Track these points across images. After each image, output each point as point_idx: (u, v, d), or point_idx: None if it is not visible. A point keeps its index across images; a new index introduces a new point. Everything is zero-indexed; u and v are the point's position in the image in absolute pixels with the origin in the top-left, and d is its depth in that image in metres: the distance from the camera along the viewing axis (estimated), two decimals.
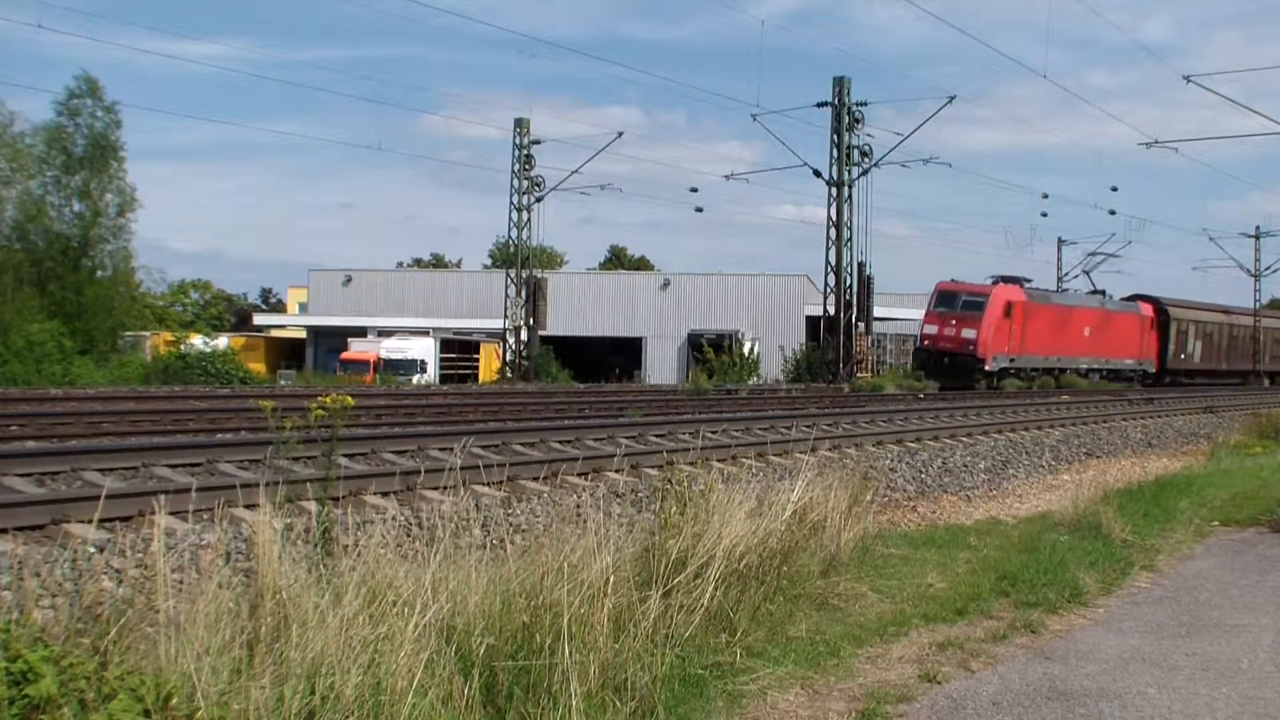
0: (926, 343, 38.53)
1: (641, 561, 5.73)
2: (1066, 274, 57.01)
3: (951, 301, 38.13)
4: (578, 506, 9.39)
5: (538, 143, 40.45)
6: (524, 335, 40.32)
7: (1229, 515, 11.24)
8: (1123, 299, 48.47)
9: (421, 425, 15.20)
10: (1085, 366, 42.96)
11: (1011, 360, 38.09)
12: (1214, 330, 52.32)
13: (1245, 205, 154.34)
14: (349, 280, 58.71)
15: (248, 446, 10.44)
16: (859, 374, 39.11)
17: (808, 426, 15.88)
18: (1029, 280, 41.00)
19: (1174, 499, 11.86)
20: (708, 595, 5.60)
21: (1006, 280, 39.27)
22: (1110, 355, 44.66)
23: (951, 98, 33.03)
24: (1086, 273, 50.30)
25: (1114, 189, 58.84)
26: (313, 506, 7.35)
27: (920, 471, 14.85)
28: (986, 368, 37.04)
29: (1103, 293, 47.21)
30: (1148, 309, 47.75)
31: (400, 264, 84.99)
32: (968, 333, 36.98)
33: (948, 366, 37.23)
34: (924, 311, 40.07)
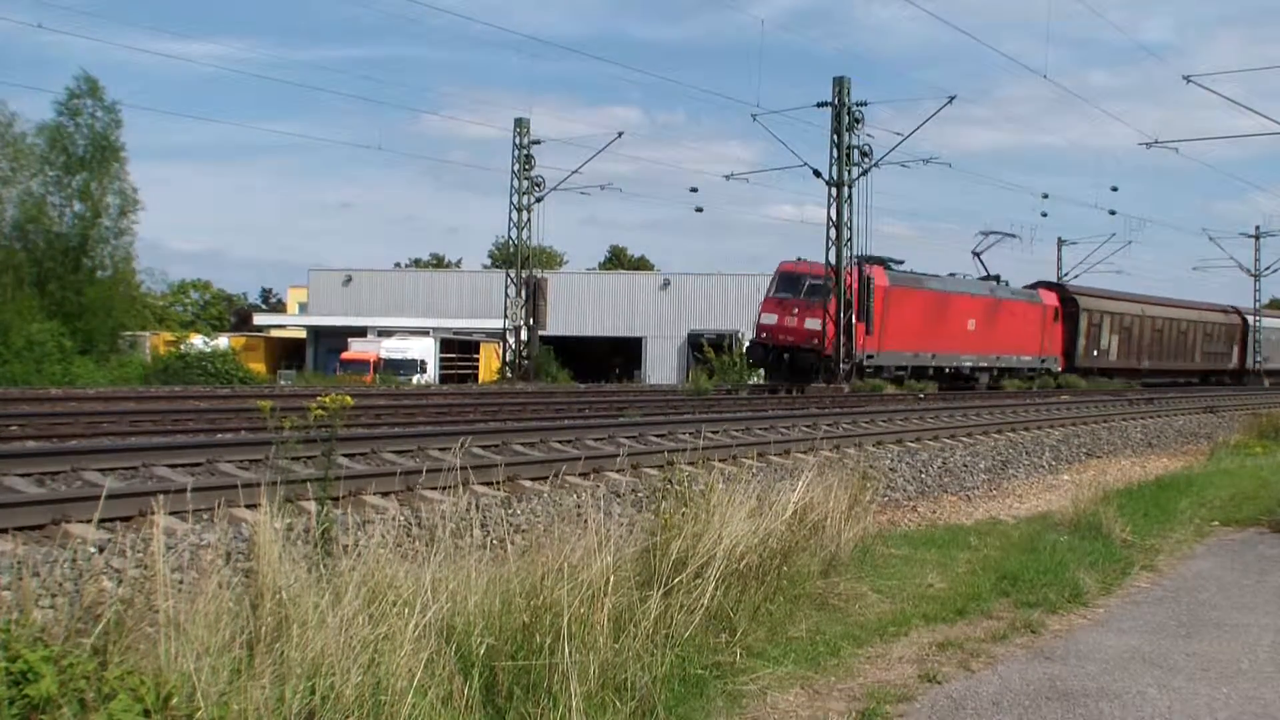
0: (764, 335, 31.82)
1: (641, 561, 5.72)
2: (1067, 274, 57.01)
3: (794, 285, 31.67)
4: (578, 506, 9.38)
5: (538, 143, 40.44)
6: (524, 335, 40.32)
7: (1229, 515, 11.24)
8: (1026, 286, 43.01)
9: (421, 425, 15.20)
10: (970, 364, 36.83)
11: (869, 356, 31.95)
12: (1134, 324, 46.49)
13: (1245, 205, 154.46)
14: (349, 280, 58.71)
15: (248, 446, 10.44)
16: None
17: (808, 426, 15.89)
18: (899, 261, 34.99)
19: (1174, 499, 11.86)
20: (708, 595, 5.60)
21: (868, 260, 33.01)
22: (1004, 351, 38.55)
23: (951, 98, 32.70)
24: (976, 254, 41.28)
25: (1114, 189, 58.82)
26: (313, 506, 7.34)
27: (920, 471, 14.85)
28: (834, 365, 30.79)
29: (996, 278, 40.46)
30: (1051, 298, 41.96)
31: (400, 264, 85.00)
32: (811, 323, 30.68)
33: (787, 364, 31.24)
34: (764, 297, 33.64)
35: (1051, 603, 7.08)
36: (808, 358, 30.72)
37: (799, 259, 32.83)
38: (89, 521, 7.29)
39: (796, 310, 31.19)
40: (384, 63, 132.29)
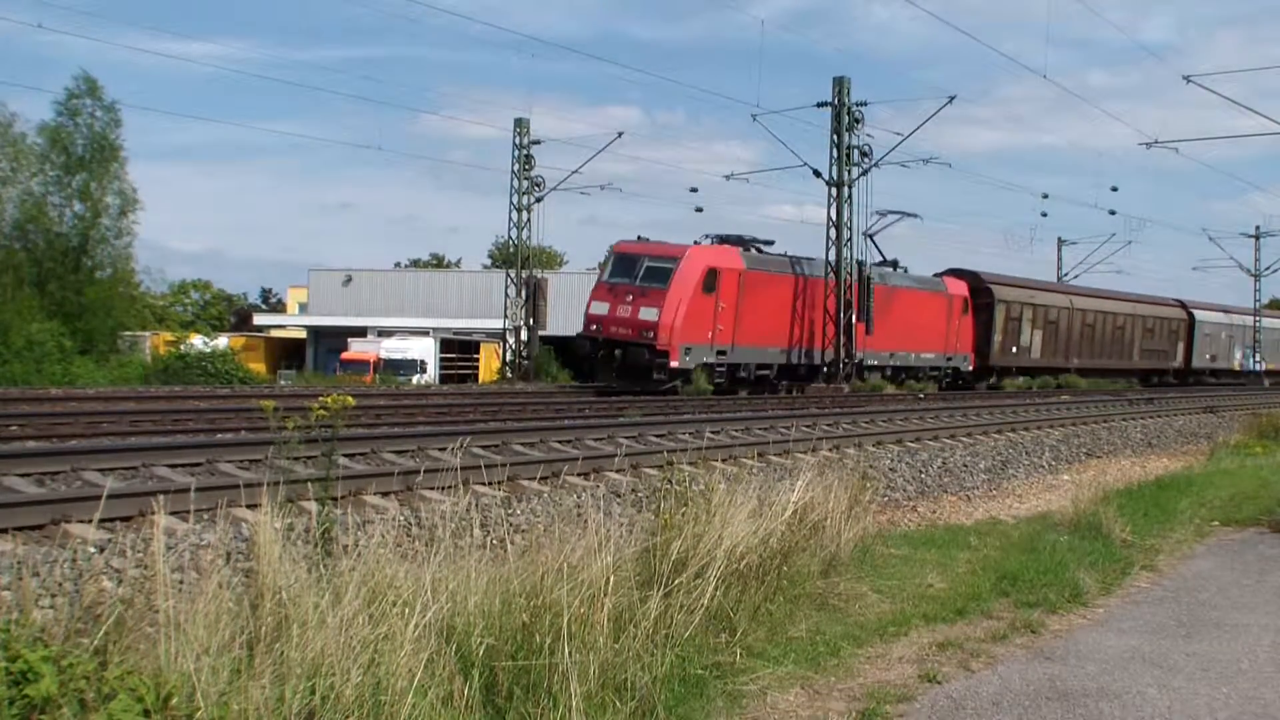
0: (593, 327, 26.57)
1: (642, 561, 5.72)
2: (1067, 274, 56.97)
3: (630, 269, 26.48)
4: (578, 506, 9.39)
5: (538, 143, 40.39)
6: (524, 335, 40.32)
7: (1229, 515, 11.24)
8: (936, 274, 37.43)
9: (421, 425, 15.20)
10: (856, 362, 31.77)
11: (719, 353, 26.64)
12: (1061, 317, 41.06)
13: (1245, 205, 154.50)
14: (349, 280, 58.69)
15: (248, 446, 10.44)
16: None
17: (808, 426, 15.89)
18: (767, 242, 29.93)
19: (1174, 499, 11.86)
20: (708, 595, 5.60)
21: (725, 240, 28.63)
22: (900, 347, 33.34)
23: (951, 98, 32.57)
24: (869, 236, 34.59)
25: (1114, 189, 58.72)
26: (313, 506, 7.34)
27: (920, 471, 14.86)
28: (672, 364, 25.15)
29: (894, 264, 34.89)
30: (959, 287, 36.21)
31: (399, 264, 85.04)
32: (646, 313, 25.46)
33: (619, 362, 25.86)
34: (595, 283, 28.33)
35: (1051, 603, 7.08)
36: (640, 354, 25.08)
37: (639, 238, 27.87)
38: (89, 521, 7.29)
39: (631, 298, 25.78)
40: (384, 63, 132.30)
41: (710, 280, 26.11)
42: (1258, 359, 55.59)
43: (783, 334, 29.13)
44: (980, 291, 37.17)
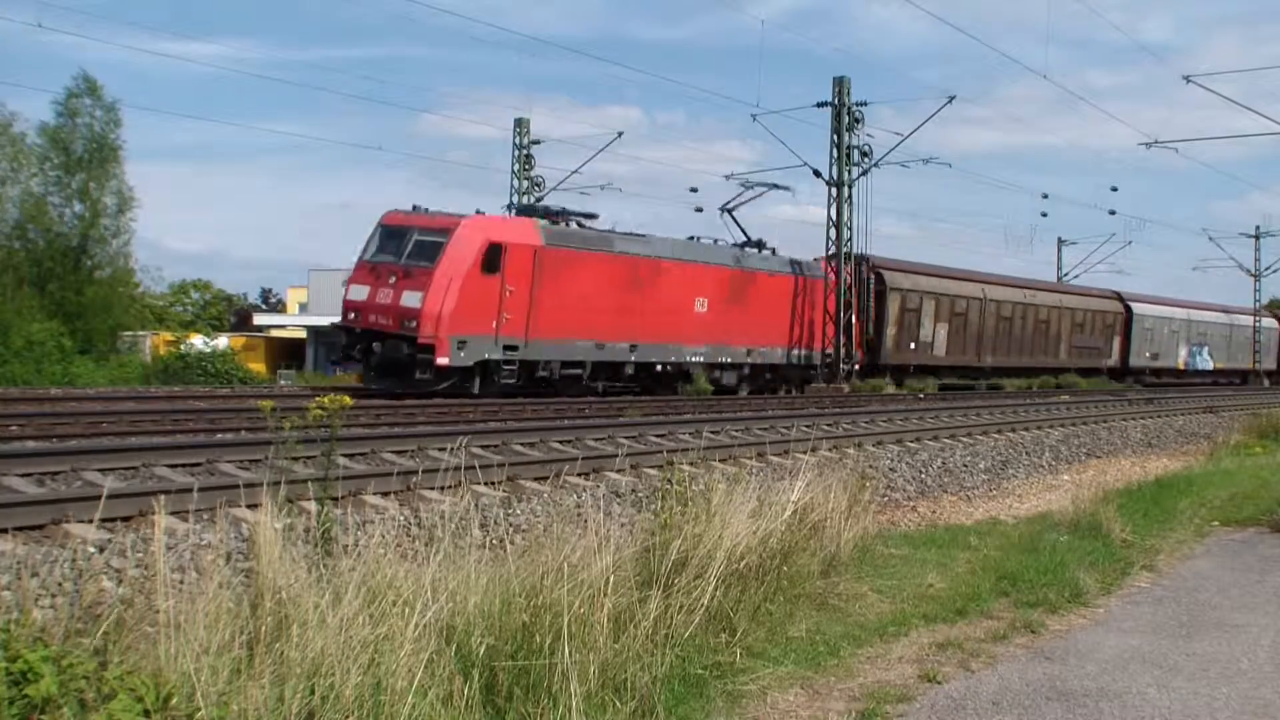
0: (351, 316, 21.56)
1: (642, 561, 5.73)
2: (1066, 274, 56.95)
3: (397, 244, 21.48)
4: (578, 506, 9.39)
5: (538, 143, 40.42)
6: None
7: (1229, 515, 11.24)
8: (818, 259, 32.05)
9: (421, 425, 15.20)
10: (701, 358, 26.13)
11: (508, 348, 21.43)
12: (970, 308, 35.83)
13: (1245, 205, 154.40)
14: None
15: (248, 446, 10.45)
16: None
17: (808, 426, 15.89)
18: (590, 215, 24.77)
19: (1174, 499, 11.86)
20: (708, 595, 5.60)
21: (525, 211, 24.23)
22: (757, 343, 27.94)
23: (951, 98, 32.49)
24: (727, 210, 29.88)
25: (1114, 189, 58.80)
26: (313, 506, 7.35)
27: (920, 471, 14.86)
28: (440, 361, 20.21)
29: (759, 245, 29.58)
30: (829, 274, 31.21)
31: None
32: (409, 298, 20.54)
33: (378, 357, 21.08)
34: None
35: (1051, 603, 7.08)
36: (399, 348, 20.36)
37: (414, 207, 22.59)
38: (89, 521, 7.30)
39: (394, 279, 20.89)
40: (384, 63, 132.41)
41: (493, 258, 21.10)
42: (1206, 357, 51.13)
43: (605, 325, 23.53)
44: (867, 278, 32.20)
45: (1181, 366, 48.89)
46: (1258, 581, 8.20)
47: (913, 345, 33.45)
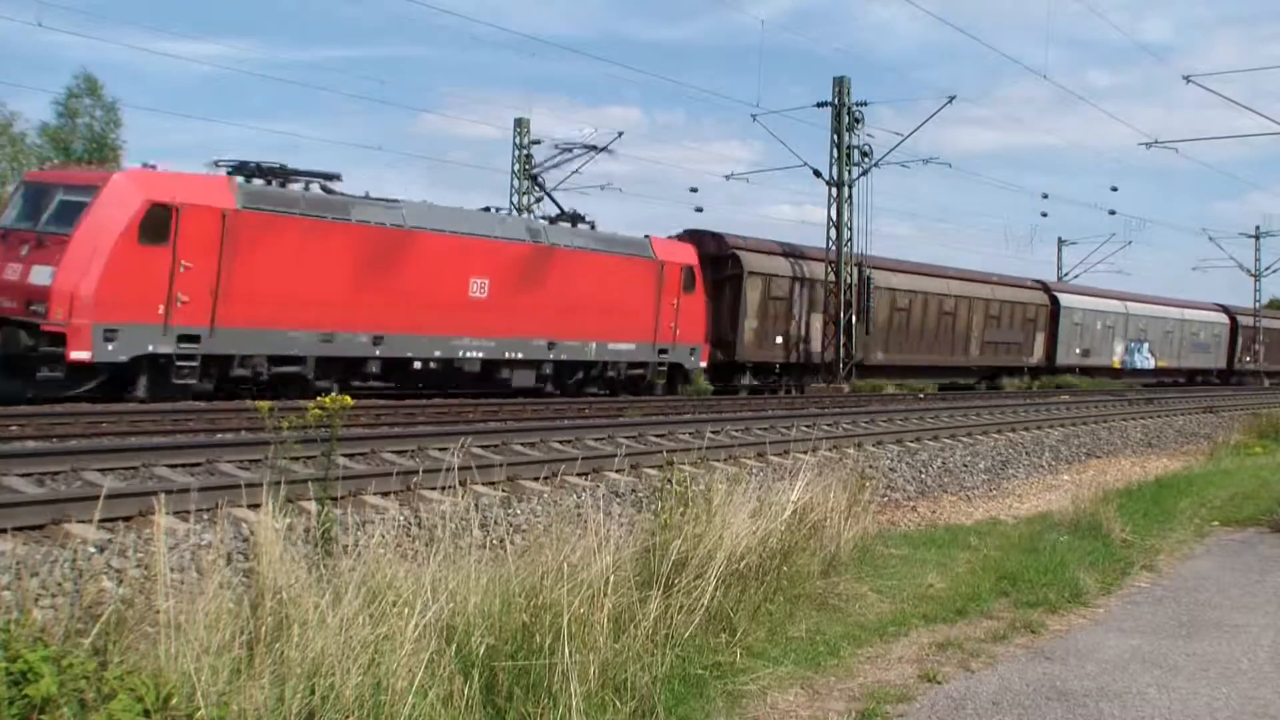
0: None
1: (641, 561, 5.73)
2: (1067, 274, 56.92)
3: (37, 206, 16.75)
4: (578, 506, 9.39)
5: (538, 143, 40.38)
6: None
7: (1229, 515, 11.25)
8: (674, 236, 27.36)
9: (421, 425, 15.21)
10: (468, 352, 20.64)
11: (182, 340, 16.58)
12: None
13: (1245, 205, 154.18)
14: None
15: (248, 446, 10.45)
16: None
17: (808, 426, 15.91)
18: (333, 178, 19.41)
19: (1174, 499, 11.87)
20: (708, 595, 5.60)
21: (240, 171, 18.37)
22: (564, 335, 22.34)
23: (951, 98, 32.42)
24: (530, 176, 24.96)
25: (1114, 189, 58.77)
26: (313, 506, 7.35)
27: (920, 471, 14.87)
28: (76, 354, 15.55)
29: (574, 219, 24.47)
30: (683, 253, 25.56)
31: None
32: (39, 274, 15.88)
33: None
34: None
35: (1051, 603, 7.08)
36: (17, 338, 15.56)
37: (62, 161, 17.38)
38: (89, 522, 7.30)
39: (26, 249, 16.15)
40: (384, 63, 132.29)
41: (158, 223, 16.19)
42: (1147, 355, 45.46)
43: (334, 311, 18.54)
44: (720, 260, 26.97)
45: (1117, 365, 43.29)
46: (1258, 581, 8.20)
47: (779, 340, 28.21)
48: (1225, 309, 52.46)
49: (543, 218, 23.76)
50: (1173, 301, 48.49)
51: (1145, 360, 44.99)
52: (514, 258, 21.54)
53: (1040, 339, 38.89)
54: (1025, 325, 38.06)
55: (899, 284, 32.91)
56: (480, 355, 20.99)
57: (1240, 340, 52.09)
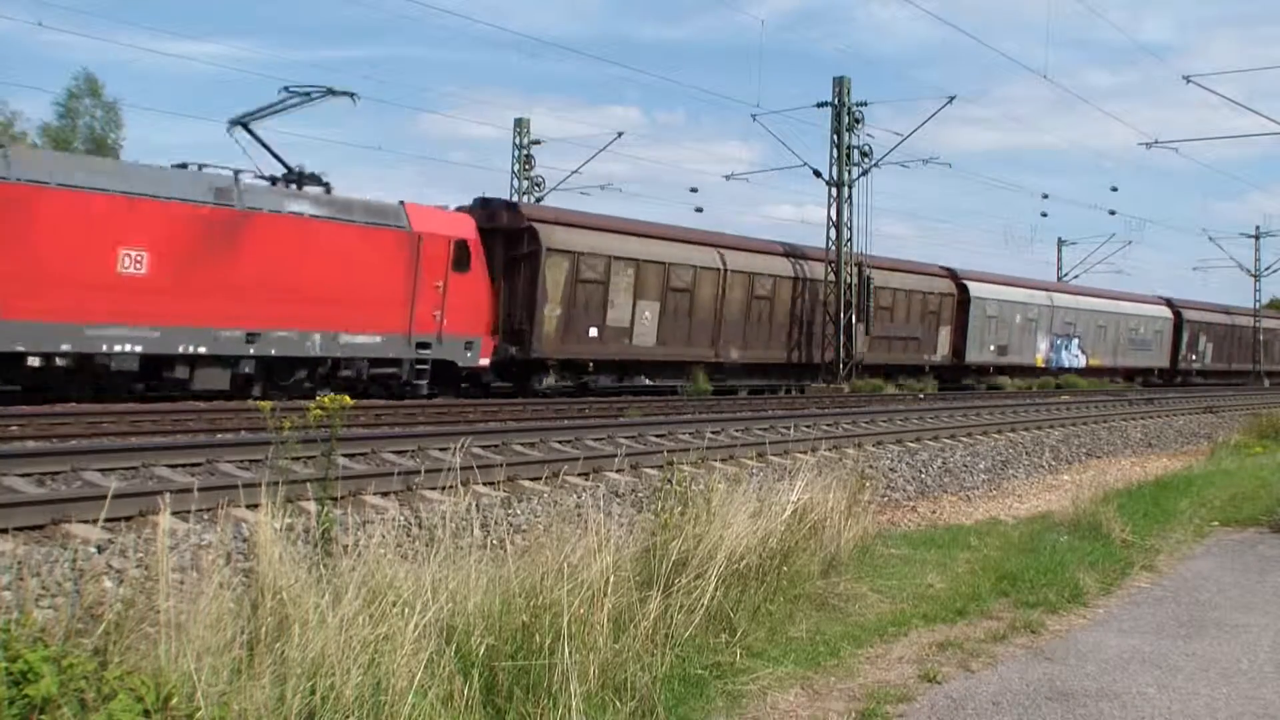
0: None
1: (641, 562, 5.73)
2: (1066, 274, 56.91)
3: None
4: (578, 506, 9.39)
5: (538, 143, 40.44)
6: None
7: (1229, 515, 11.24)
8: (461, 207, 22.76)
9: (421, 425, 15.21)
10: (117, 346, 15.84)
11: None
12: (696, 282, 25.64)
13: (1245, 205, 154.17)
14: None
15: (248, 446, 10.46)
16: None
17: (808, 426, 15.92)
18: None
19: (1174, 499, 11.86)
20: (708, 595, 5.60)
21: None
22: (271, 324, 17.53)
23: (951, 98, 32.45)
24: (239, 122, 19.17)
25: (1114, 189, 58.79)
26: (313, 506, 7.35)
27: (920, 471, 14.86)
28: None
29: (299, 178, 19.20)
30: (460, 225, 20.86)
31: None
32: None
33: None
34: None
35: (1051, 603, 7.08)
36: None
37: None
38: (90, 522, 7.30)
39: None
40: (384, 63, 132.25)
41: None
42: (1076, 353, 40.98)
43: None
44: (517, 235, 22.11)
45: (1040, 363, 38.80)
46: (1258, 581, 8.20)
47: (593, 332, 23.30)
48: (1169, 302, 47.72)
49: (261, 177, 18.73)
50: (1108, 293, 44.58)
51: (1075, 359, 40.62)
52: (190, 224, 16.64)
53: (945, 334, 33.86)
54: (929, 318, 33.07)
55: (758, 267, 27.50)
56: (138, 350, 16.16)
57: (1185, 337, 47.44)
